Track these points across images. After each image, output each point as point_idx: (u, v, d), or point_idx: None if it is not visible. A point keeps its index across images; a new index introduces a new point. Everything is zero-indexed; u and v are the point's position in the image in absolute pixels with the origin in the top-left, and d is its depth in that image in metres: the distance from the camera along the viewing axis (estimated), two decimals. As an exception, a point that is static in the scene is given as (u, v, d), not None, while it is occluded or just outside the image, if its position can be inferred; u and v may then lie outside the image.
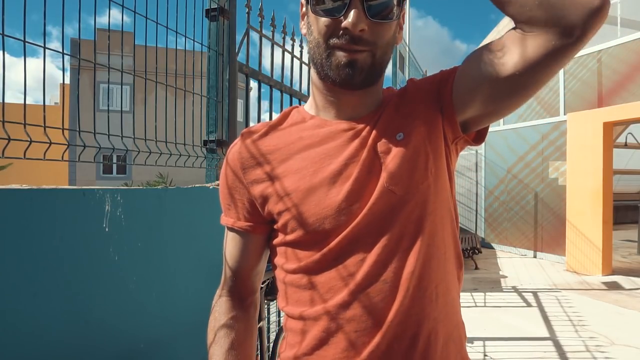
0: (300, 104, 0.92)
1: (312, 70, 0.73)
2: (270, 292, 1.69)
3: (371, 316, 0.65)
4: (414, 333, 0.65)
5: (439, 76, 0.72)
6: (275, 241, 0.73)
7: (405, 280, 0.65)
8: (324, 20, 0.65)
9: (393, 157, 0.67)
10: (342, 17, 0.63)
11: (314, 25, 0.67)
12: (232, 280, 0.79)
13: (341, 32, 0.64)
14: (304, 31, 0.72)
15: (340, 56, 0.65)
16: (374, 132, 0.70)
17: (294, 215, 0.68)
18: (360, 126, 0.71)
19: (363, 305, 0.65)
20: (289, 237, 0.70)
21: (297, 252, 0.70)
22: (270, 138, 0.74)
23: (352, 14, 0.62)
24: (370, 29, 0.64)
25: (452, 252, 0.72)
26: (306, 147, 0.71)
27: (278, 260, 0.74)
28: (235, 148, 0.76)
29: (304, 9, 0.71)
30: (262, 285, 1.63)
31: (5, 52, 0.97)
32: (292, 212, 0.68)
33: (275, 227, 0.72)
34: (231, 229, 0.78)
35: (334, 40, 0.65)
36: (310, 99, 0.77)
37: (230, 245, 0.78)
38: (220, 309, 0.78)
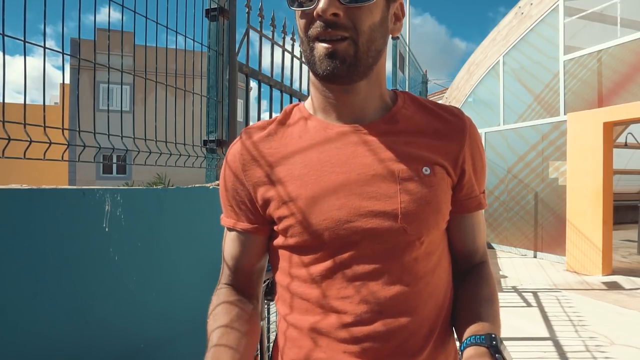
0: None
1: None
2: (270, 292, 1.69)
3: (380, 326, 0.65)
4: None
5: (478, 178, 0.74)
6: (276, 243, 0.72)
7: (402, 315, 0.65)
8: (300, 13, 0.64)
9: (414, 193, 0.66)
10: (314, 5, 0.61)
11: (297, 22, 0.66)
12: (232, 279, 0.77)
13: (316, 20, 0.62)
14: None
15: (321, 48, 0.63)
16: (392, 147, 0.68)
17: (295, 222, 0.66)
18: (369, 133, 0.69)
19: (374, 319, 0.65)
20: (290, 241, 0.68)
21: (300, 257, 0.68)
22: (271, 138, 0.72)
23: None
24: (345, 14, 0.61)
25: (445, 290, 0.73)
26: (308, 151, 0.69)
27: (281, 264, 0.72)
28: (236, 148, 0.74)
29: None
30: (262, 285, 1.62)
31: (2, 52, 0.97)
32: (292, 218, 0.66)
33: (275, 228, 0.71)
34: (232, 230, 0.76)
35: (311, 31, 0.63)
36: (310, 98, 0.75)
37: (231, 246, 0.76)
38: (221, 294, 0.74)
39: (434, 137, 0.70)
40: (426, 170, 0.67)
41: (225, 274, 0.78)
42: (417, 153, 0.68)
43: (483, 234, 0.79)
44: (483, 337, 0.60)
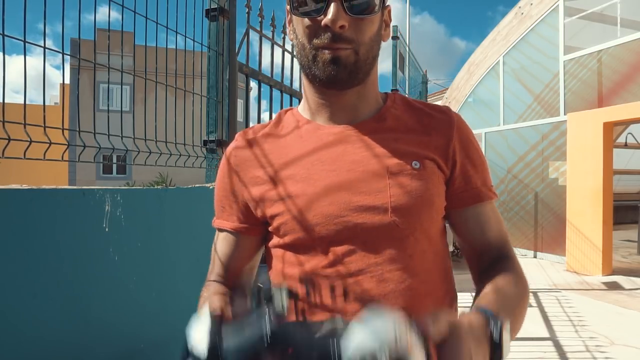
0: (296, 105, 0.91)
1: (302, 74, 0.73)
2: (270, 292, 1.69)
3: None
4: None
5: (478, 170, 0.73)
6: (271, 244, 0.73)
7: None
8: (305, 21, 0.66)
9: (405, 187, 0.66)
10: (322, 16, 0.63)
11: (297, 28, 0.68)
12: (221, 277, 0.78)
13: (322, 31, 0.64)
14: (291, 37, 0.73)
15: (325, 54, 0.65)
16: (381, 143, 0.69)
17: (286, 220, 0.68)
18: (359, 131, 0.71)
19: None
20: (283, 240, 0.70)
21: (293, 256, 0.69)
22: (266, 142, 0.75)
23: (330, 10, 0.62)
24: (350, 26, 0.64)
25: (444, 289, 0.72)
26: (300, 152, 0.71)
27: (275, 264, 0.73)
28: (231, 149, 0.77)
29: (289, 16, 0.72)
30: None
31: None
32: (284, 216, 0.68)
33: (269, 229, 0.72)
34: (225, 231, 0.78)
35: (316, 41, 0.65)
36: (303, 102, 0.77)
37: (223, 245, 0.79)
38: (212, 287, 0.74)
39: (422, 133, 0.72)
40: (416, 165, 0.68)
41: (214, 272, 0.80)
42: (406, 148, 0.69)
43: (495, 227, 0.75)
44: (491, 312, 0.54)
